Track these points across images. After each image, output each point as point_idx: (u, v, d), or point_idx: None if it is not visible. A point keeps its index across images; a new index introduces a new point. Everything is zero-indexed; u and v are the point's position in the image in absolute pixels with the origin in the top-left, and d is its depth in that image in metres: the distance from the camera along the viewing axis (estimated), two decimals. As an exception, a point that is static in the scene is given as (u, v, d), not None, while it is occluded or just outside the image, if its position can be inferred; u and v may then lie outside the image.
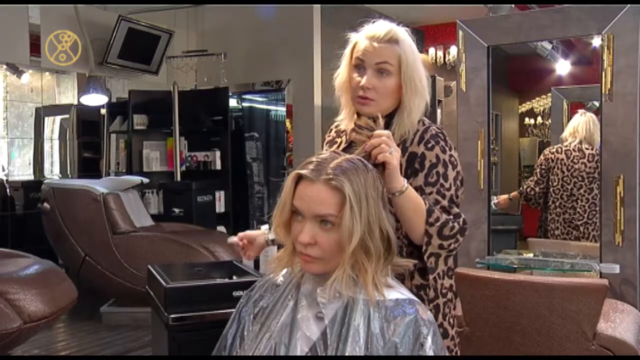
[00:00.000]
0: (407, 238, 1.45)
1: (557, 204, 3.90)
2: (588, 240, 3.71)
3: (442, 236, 1.40)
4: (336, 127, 1.69)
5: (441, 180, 1.48)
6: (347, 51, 1.55)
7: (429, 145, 1.49)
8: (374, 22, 1.54)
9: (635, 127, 2.60)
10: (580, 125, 3.84)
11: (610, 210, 2.65)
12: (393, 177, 1.30)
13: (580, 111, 3.99)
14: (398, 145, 1.41)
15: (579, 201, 3.79)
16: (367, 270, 1.19)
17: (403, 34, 1.51)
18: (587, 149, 3.79)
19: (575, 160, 3.82)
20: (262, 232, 1.75)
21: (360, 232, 1.16)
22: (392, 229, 1.23)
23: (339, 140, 1.64)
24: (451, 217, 1.43)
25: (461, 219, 1.44)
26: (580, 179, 3.80)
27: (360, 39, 1.52)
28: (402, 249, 1.55)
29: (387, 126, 1.44)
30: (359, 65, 1.51)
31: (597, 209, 3.65)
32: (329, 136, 1.71)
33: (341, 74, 1.56)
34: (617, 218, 2.63)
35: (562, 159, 3.88)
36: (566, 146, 3.90)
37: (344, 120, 1.60)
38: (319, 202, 1.18)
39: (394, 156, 1.29)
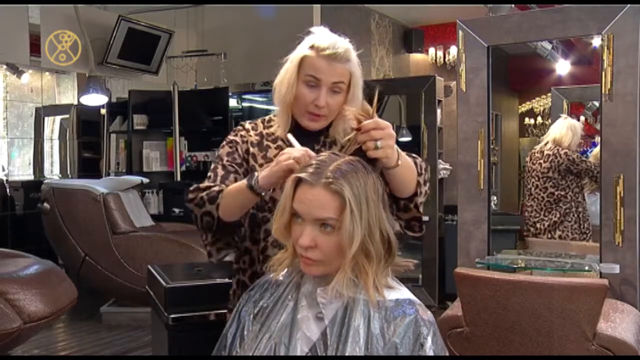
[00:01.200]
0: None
1: (523, 203, 4.09)
2: (545, 237, 3.83)
3: (425, 182, 1.47)
4: (253, 127, 1.65)
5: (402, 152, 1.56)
6: (295, 64, 1.52)
7: None
8: (313, 31, 1.53)
9: (635, 127, 2.59)
10: (555, 127, 3.95)
11: (610, 210, 2.64)
12: (388, 161, 1.29)
13: (563, 115, 4.10)
14: (332, 145, 1.48)
15: (535, 199, 3.92)
16: (368, 273, 1.19)
17: (352, 49, 1.53)
18: (549, 149, 3.89)
19: (534, 162, 3.96)
20: None
21: (360, 236, 1.16)
22: (392, 231, 1.23)
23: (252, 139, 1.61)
24: (421, 160, 1.49)
25: (419, 158, 1.50)
26: (536, 178, 3.92)
27: (311, 53, 1.49)
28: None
29: (325, 131, 1.46)
30: (311, 82, 1.50)
31: (553, 206, 3.84)
32: (236, 135, 1.64)
33: (287, 88, 1.53)
34: (617, 218, 2.62)
35: (527, 162, 4.06)
36: (534, 150, 4.06)
37: (278, 128, 1.59)
38: (319, 205, 1.17)
39: (383, 148, 1.24)
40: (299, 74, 1.51)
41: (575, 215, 3.82)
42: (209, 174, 1.59)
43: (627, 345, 2.05)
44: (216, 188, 1.50)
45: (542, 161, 3.89)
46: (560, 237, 3.81)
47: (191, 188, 1.55)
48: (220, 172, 1.56)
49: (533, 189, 3.93)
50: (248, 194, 1.40)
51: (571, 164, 3.80)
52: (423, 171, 1.47)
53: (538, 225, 3.87)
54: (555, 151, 3.85)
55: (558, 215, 3.83)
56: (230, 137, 1.64)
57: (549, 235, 3.81)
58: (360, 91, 1.54)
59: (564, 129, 3.87)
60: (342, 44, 1.50)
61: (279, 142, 1.59)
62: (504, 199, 5.57)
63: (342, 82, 1.50)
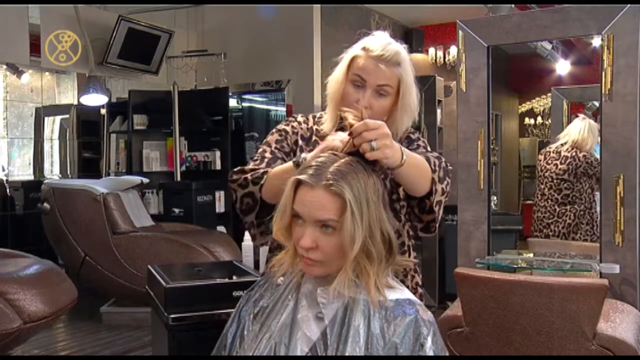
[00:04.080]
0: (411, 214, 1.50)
1: (534, 203, 4.03)
2: (559, 238, 3.82)
3: (440, 179, 1.41)
4: (305, 121, 1.64)
5: (421, 149, 1.55)
6: (345, 63, 1.52)
7: (414, 145, 1.59)
8: (373, 34, 1.52)
9: (635, 127, 2.60)
10: (574, 128, 3.92)
11: (610, 210, 2.64)
12: (389, 162, 1.25)
13: (581, 116, 4.07)
14: None
15: (548, 200, 3.90)
16: (370, 274, 1.19)
17: (405, 54, 1.51)
18: (567, 150, 3.87)
19: (549, 162, 3.93)
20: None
21: (362, 237, 1.16)
22: (392, 231, 1.23)
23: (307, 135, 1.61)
24: (435, 156, 1.45)
25: (443, 159, 1.46)
26: (549, 179, 3.90)
27: (361, 54, 1.50)
28: (404, 244, 1.59)
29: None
30: (357, 82, 1.49)
31: (567, 207, 3.84)
32: (288, 125, 1.63)
33: (335, 86, 1.54)
34: (617, 218, 2.63)
35: (540, 160, 4.02)
36: (549, 148, 4.02)
37: (326, 124, 1.59)
38: (320, 207, 1.17)
39: (379, 149, 1.21)
40: (348, 73, 1.51)
41: (589, 217, 3.82)
42: (255, 156, 1.57)
43: (627, 345, 2.05)
44: (262, 170, 1.48)
45: (558, 162, 3.86)
46: (573, 239, 3.79)
47: (235, 169, 1.53)
48: (268, 155, 1.55)
49: (546, 189, 3.89)
50: (295, 173, 1.36)
51: (589, 166, 3.80)
52: (437, 167, 1.41)
53: (552, 226, 3.85)
54: (574, 153, 3.83)
55: (572, 216, 3.82)
56: (282, 125, 1.64)
57: (564, 238, 3.79)
58: (412, 99, 1.52)
59: (585, 132, 3.83)
60: (394, 47, 1.49)
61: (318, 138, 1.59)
62: (504, 199, 5.58)
63: (388, 86, 1.48)
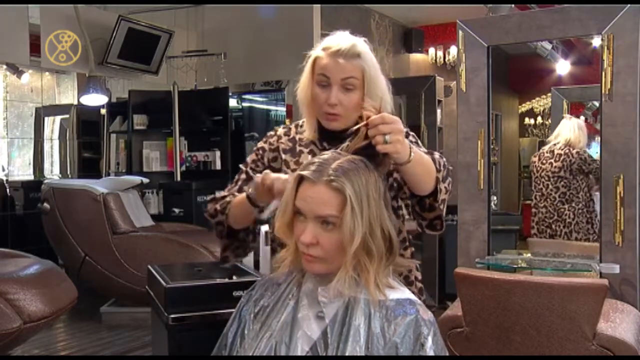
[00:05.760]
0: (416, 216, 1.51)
1: (533, 204, 4.07)
2: (561, 237, 3.86)
3: (443, 178, 1.43)
4: (286, 132, 1.65)
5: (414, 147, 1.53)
6: (308, 67, 1.54)
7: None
8: (333, 33, 1.54)
9: (635, 127, 2.60)
10: (565, 127, 3.99)
11: (610, 210, 2.65)
12: (399, 157, 1.27)
13: (568, 116, 4.14)
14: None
15: (548, 200, 3.95)
16: (369, 271, 1.20)
17: (364, 46, 1.52)
18: (560, 149, 3.91)
19: (544, 161, 3.99)
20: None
21: (361, 233, 1.16)
22: (393, 229, 1.23)
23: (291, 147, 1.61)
24: (439, 156, 1.46)
25: (444, 158, 1.47)
26: (546, 178, 3.95)
27: (321, 54, 1.52)
28: (406, 240, 1.60)
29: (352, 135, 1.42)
30: (323, 82, 1.50)
31: (566, 206, 3.89)
32: (266, 142, 1.66)
33: (303, 91, 1.55)
34: (617, 218, 2.63)
35: (535, 162, 4.07)
36: (542, 150, 4.08)
37: (306, 131, 1.60)
38: (321, 203, 1.18)
39: (392, 143, 1.23)
40: (313, 75, 1.53)
41: (587, 215, 3.85)
42: (235, 177, 1.67)
43: (627, 345, 2.05)
44: (228, 199, 1.57)
45: (552, 161, 3.92)
46: (576, 238, 3.82)
47: (209, 198, 1.64)
48: (242, 177, 1.64)
49: (544, 189, 3.94)
50: (248, 205, 1.47)
51: (583, 163, 3.86)
52: (442, 167, 1.43)
53: (554, 226, 3.89)
54: (567, 151, 3.90)
55: (572, 215, 3.85)
56: (260, 143, 1.68)
57: (566, 237, 3.83)
58: (378, 88, 1.51)
59: (576, 130, 3.91)
60: (348, 39, 1.50)
61: (312, 147, 1.59)
62: (504, 199, 5.58)
63: (352, 78, 1.49)
